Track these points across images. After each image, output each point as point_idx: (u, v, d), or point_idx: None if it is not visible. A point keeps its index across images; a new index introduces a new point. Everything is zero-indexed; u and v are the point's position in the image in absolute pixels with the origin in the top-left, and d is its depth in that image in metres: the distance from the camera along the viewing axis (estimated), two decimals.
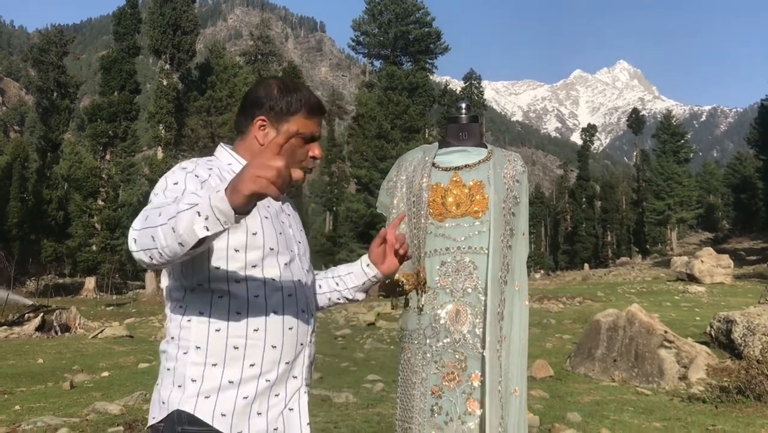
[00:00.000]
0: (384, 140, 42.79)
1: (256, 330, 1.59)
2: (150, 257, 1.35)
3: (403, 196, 2.30)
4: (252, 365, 1.58)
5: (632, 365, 8.68)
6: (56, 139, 46.89)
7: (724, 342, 9.64)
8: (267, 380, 1.60)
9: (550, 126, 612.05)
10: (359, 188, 49.77)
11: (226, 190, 1.26)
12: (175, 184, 1.56)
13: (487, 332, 1.98)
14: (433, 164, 2.26)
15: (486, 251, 2.08)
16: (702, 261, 30.95)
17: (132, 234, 1.40)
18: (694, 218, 70.29)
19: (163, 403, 1.59)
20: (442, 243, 2.14)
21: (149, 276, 40.25)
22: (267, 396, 1.60)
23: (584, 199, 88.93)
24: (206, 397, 1.54)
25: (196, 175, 1.58)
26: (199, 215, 1.27)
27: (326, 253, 56.84)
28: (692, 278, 29.99)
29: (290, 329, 1.64)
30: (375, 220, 44.47)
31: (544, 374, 8.84)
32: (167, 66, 40.80)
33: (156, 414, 1.61)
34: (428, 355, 2.06)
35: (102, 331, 17.23)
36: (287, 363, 1.63)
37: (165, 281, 1.66)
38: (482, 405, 1.93)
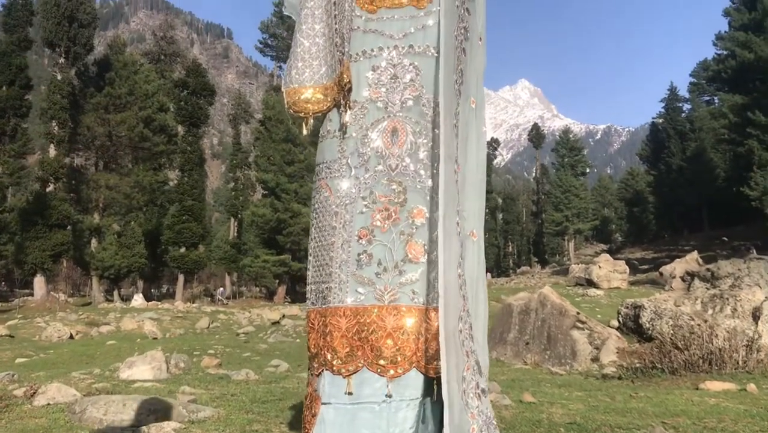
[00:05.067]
0: (292, 144, 42.10)
1: None
2: None
3: None
4: None
5: (545, 347, 8.49)
6: None
7: (632, 327, 9.64)
8: None
9: None
10: (266, 193, 48.60)
11: None
12: None
13: (442, 147, 1.37)
14: None
15: (432, 52, 1.51)
16: (600, 267, 31.98)
17: None
18: (590, 229, 73.18)
19: None
20: (373, 41, 1.55)
21: (38, 281, 37.58)
22: None
23: (487, 211, 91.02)
24: None
25: None
26: None
27: (230, 260, 55.13)
28: (591, 283, 30.91)
29: None
30: (281, 225, 43.48)
31: None
32: (62, 59, 38.46)
33: None
34: (354, 190, 1.47)
35: None
36: None
37: None
38: (428, 250, 1.37)
